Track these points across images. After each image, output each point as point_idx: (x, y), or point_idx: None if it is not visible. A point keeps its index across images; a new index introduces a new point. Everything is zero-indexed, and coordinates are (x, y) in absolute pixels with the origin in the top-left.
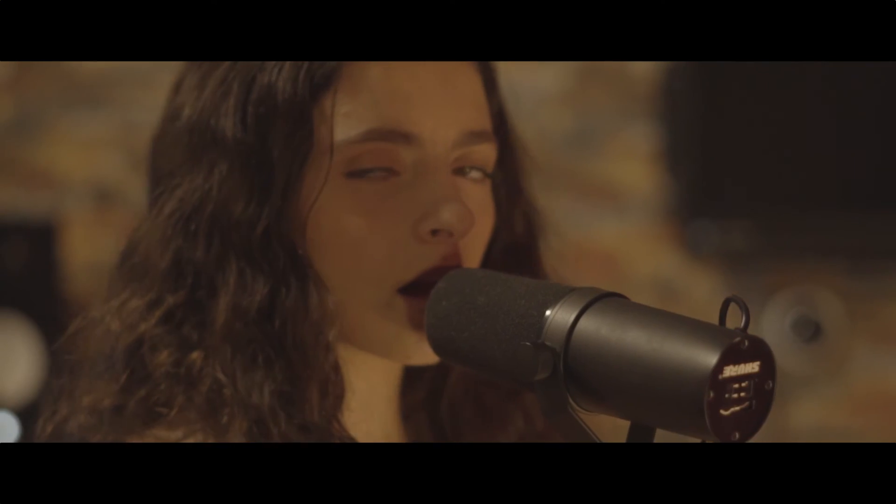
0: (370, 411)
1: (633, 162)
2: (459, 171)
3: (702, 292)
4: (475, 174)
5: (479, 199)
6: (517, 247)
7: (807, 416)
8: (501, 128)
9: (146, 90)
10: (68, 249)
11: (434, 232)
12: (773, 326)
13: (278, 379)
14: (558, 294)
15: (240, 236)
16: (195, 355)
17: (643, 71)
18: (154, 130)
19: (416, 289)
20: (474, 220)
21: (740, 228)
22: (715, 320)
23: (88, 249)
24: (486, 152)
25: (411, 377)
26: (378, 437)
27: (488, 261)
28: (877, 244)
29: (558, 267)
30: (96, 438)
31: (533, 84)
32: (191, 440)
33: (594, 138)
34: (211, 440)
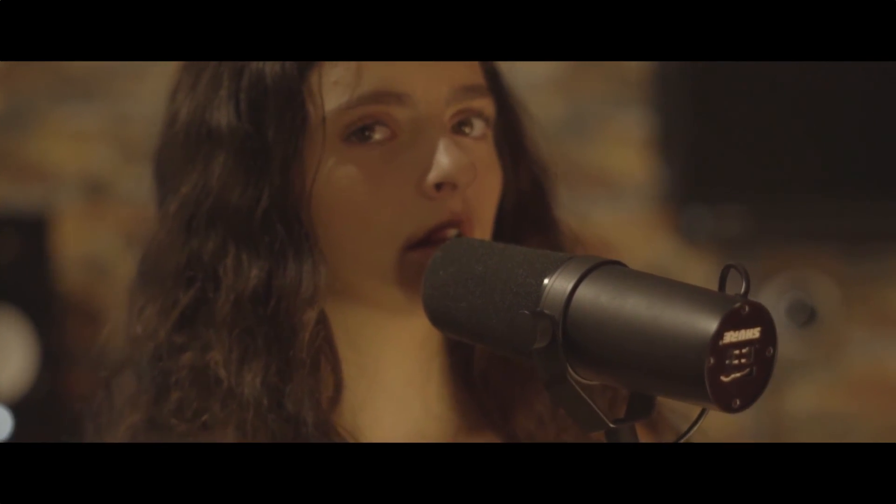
0: (403, 373)
1: (625, 148)
2: (459, 130)
3: (696, 278)
4: (476, 131)
5: (481, 155)
6: (527, 205)
7: (802, 401)
8: (496, 85)
9: (138, 82)
10: (60, 242)
11: (438, 186)
12: None
13: (270, 367)
14: (556, 262)
15: (239, 222)
16: (211, 354)
17: None
18: (156, 141)
19: (428, 245)
20: (476, 170)
21: (734, 214)
22: None
23: (80, 242)
24: (483, 106)
25: (447, 343)
26: (415, 403)
27: (501, 220)
28: (871, 228)
29: (576, 227)
30: None
31: (524, 71)
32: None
33: (586, 125)
34: (213, 437)
